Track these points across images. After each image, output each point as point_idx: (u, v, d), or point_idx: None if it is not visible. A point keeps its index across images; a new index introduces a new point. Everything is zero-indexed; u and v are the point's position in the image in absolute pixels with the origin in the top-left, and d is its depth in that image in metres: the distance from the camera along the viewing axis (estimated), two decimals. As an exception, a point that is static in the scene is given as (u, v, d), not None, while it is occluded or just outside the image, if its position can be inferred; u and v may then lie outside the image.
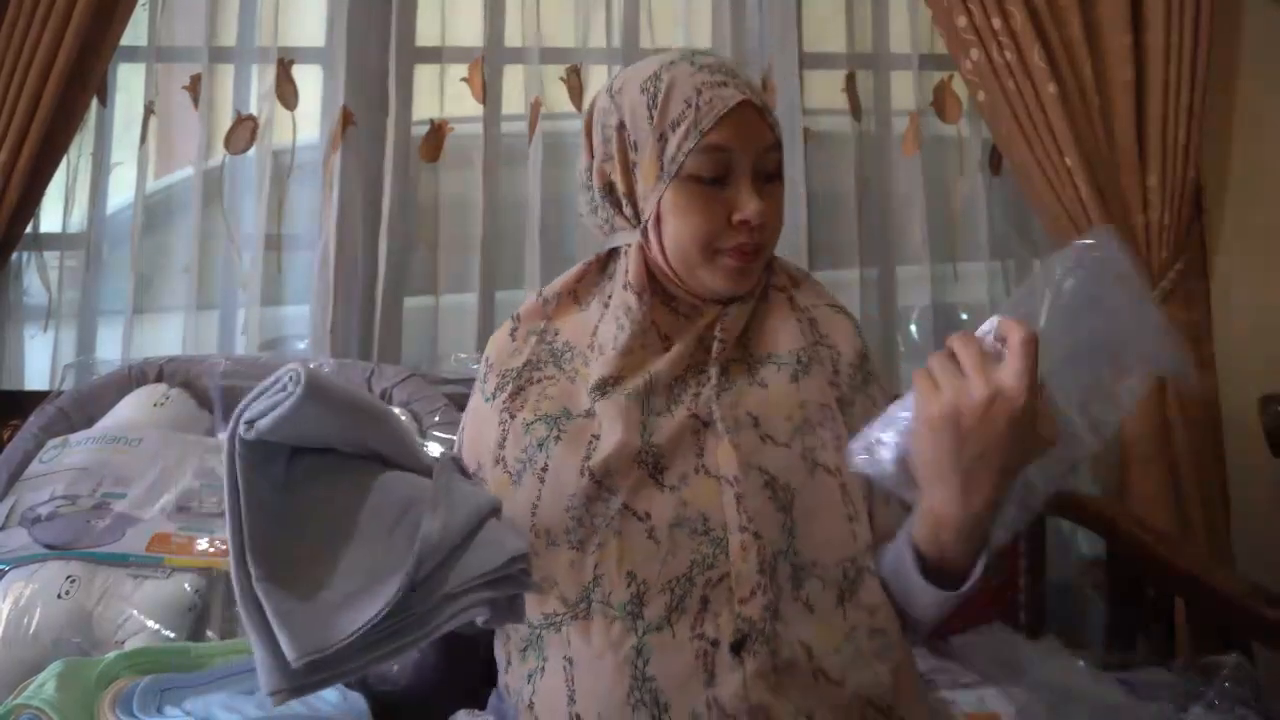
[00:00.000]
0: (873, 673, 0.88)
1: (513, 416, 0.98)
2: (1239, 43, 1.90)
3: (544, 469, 0.93)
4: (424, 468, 0.86)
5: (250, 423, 0.76)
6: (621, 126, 0.97)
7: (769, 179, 0.97)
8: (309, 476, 0.81)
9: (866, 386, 1.01)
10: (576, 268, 1.06)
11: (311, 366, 0.80)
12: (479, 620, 0.80)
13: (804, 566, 0.91)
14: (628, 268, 0.98)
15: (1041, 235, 1.89)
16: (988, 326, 0.84)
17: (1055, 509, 1.65)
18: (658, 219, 0.96)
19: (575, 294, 1.05)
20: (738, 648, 0.85)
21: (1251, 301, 1.87)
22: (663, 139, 0.94)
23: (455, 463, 0.95)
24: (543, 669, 0.89)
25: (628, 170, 0.97)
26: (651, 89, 0.95)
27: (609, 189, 0.99)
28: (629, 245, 0.99)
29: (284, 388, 0.75)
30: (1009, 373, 0.78)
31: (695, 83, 0.94)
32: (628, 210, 0.99)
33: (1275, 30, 1.90)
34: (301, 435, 0.80)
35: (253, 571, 0.72)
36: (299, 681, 0.70)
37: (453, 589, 0.76)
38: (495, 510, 0.83)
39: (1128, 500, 1.75)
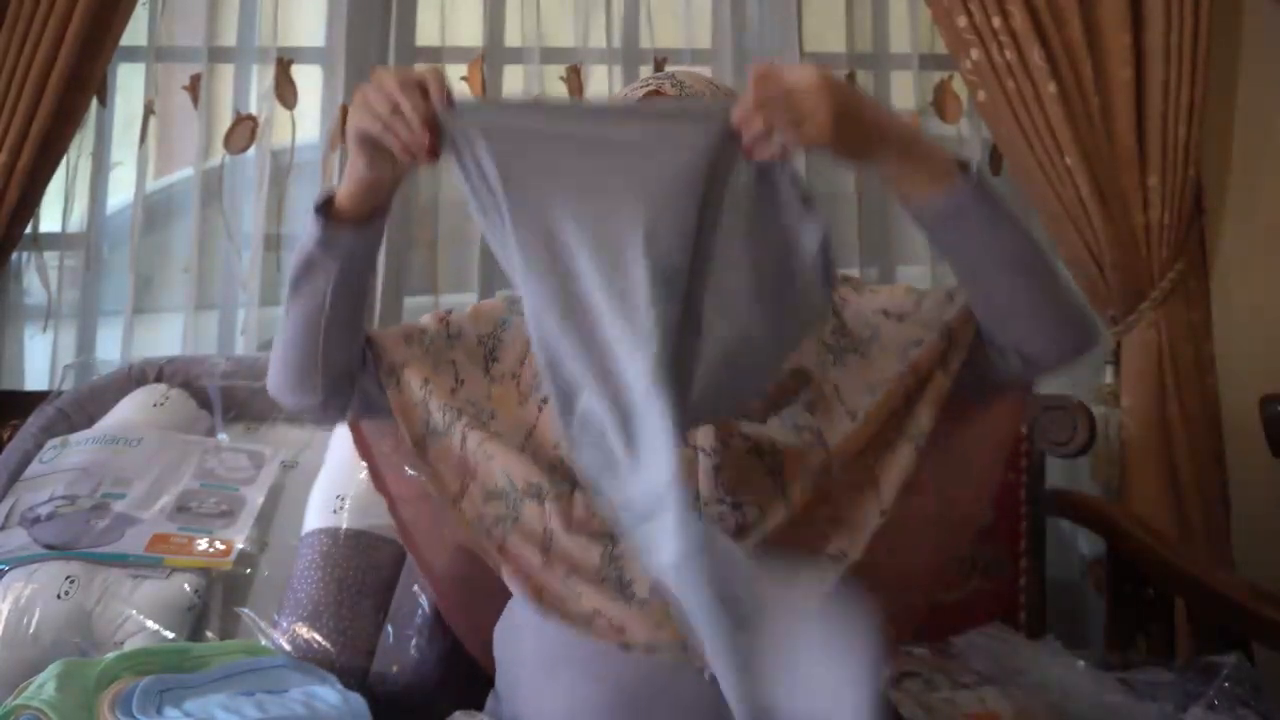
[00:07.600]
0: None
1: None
2: (1239, 43, 1.90)
3: (544, 400, 0.98)
4: None
5: None
6: None
7: None
8: None
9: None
10: None
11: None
12: None
13: None
14: None
15: (1041, 235, 1.88)
16: None
17: (1055, 509, 1.65)
18: None
19: None
20: None
21: (1251, 301, 1.87)
22: None
23: None
24: (516, 519, 0.95)
25: None
26: None
27: None
28: None
29: None
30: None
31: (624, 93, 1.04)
32: None
33: (1275, 30, 1.90)
34: None
35: None
36: None
37: None
38: None
39: (1128, 500, 1.74)
